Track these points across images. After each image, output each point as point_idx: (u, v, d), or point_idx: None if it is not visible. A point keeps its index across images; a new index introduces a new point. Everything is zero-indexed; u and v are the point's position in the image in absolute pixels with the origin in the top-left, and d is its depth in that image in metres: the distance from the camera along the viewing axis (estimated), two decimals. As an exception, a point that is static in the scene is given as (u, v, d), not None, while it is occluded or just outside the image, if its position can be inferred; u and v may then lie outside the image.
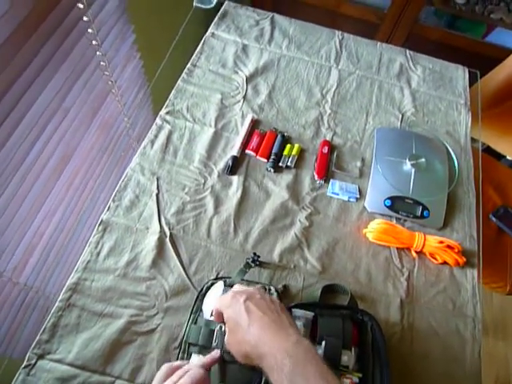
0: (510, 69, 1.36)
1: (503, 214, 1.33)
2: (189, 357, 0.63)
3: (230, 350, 0.53)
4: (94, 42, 0.94)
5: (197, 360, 0.55)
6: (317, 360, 0.45)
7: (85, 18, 0.89)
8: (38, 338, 0.64)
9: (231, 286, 0.64)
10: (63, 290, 0.69)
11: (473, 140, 1.04)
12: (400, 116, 1.04)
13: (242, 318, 0.50)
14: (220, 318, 0.55)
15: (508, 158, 1.74)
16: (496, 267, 1.26)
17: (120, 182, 0.82)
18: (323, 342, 0.60)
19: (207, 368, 0.54)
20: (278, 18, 1.22)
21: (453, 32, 1.73)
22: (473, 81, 1.19)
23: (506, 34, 1.67)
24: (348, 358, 0.61)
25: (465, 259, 0.81)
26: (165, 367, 0.52)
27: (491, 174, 1.44)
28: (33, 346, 0.63)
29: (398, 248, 0.82)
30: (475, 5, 1.60)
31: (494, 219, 1.32)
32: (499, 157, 1.69)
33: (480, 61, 1.28)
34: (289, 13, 1.24)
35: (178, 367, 0.52)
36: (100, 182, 1.17)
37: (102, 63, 1.00)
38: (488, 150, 1.65)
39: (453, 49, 1.71)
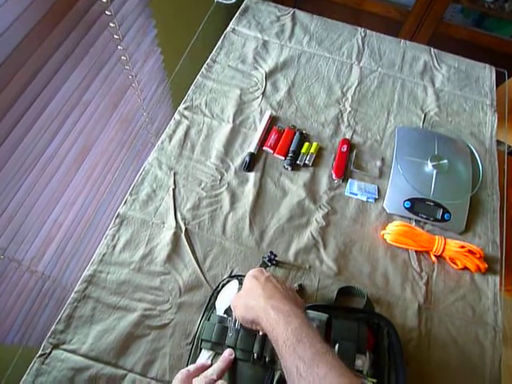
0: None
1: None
2: (199, 352, 0.63)
3: (235, 308, 0.58)
4: (115, 36, 0.95)
5: (212, 368, 0.56)
6: (318, 333, 0.50)
7: (107, 12, 0.89)
8: (53, 327, 0.65)
9: None
10: (79, 282, 0.69)
11: (498, 143, 1.01)
12: (422, 115, 1.01)
13: (260, 279, 0.57)
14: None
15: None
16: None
17: (137, 176, 0.82)
18: (337, 345, 0.59)
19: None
20: (299, 14, 1.20)
21: (480, 31, 1.68)
22: (500, 81, 1.15)
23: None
24: (362, 362, 0.60)
25: (486, 265, 0.78)
26: (180, 374, 0.54)
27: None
28: (48, 335, 0.64)
29: (416, 251, 0.80)
30: (505, 2, 1.55)
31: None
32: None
33: (508, 60, 1.24)
34: (310, 9, 1.23)
35: (195, 374, 0.55)
36: (118, 176, 1.18)
37: (122, 57, 1.01)
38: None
39: (479, 48, 1.66)
